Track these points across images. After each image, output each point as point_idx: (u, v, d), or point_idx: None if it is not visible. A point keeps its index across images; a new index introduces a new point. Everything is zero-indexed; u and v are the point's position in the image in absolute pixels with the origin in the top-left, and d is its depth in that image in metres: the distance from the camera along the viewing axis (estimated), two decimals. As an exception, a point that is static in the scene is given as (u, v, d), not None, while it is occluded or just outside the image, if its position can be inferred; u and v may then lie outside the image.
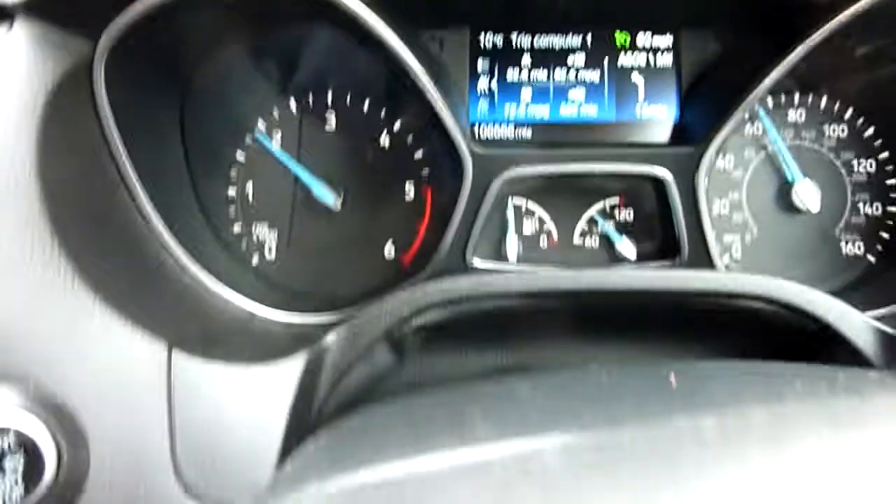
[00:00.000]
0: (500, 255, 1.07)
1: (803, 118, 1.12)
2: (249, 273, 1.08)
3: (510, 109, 1.09)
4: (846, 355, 0.83)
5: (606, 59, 1.09)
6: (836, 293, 0.95)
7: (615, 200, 1.09)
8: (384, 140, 1.09)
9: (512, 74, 1.09)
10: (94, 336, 0.68)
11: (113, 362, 0.68)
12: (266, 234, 1.10)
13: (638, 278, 0.81)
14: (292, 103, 1.10)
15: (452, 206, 1.00)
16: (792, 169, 1.09)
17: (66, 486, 0.63)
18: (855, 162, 1.12)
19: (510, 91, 1.09)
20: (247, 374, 0.73)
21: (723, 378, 0.40)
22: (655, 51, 1.09)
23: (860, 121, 1.12)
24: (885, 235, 1.12)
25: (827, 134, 1.12)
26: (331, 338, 0.80)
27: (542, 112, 1.09)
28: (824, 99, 1.12)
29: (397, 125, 1.09)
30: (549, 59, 1.09)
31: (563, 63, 1.09)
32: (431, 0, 1.02)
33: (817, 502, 0.22)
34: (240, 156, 1.09)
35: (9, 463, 0.61)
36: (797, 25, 0.96)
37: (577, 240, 1.10)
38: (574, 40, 1.09)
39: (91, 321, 0.69)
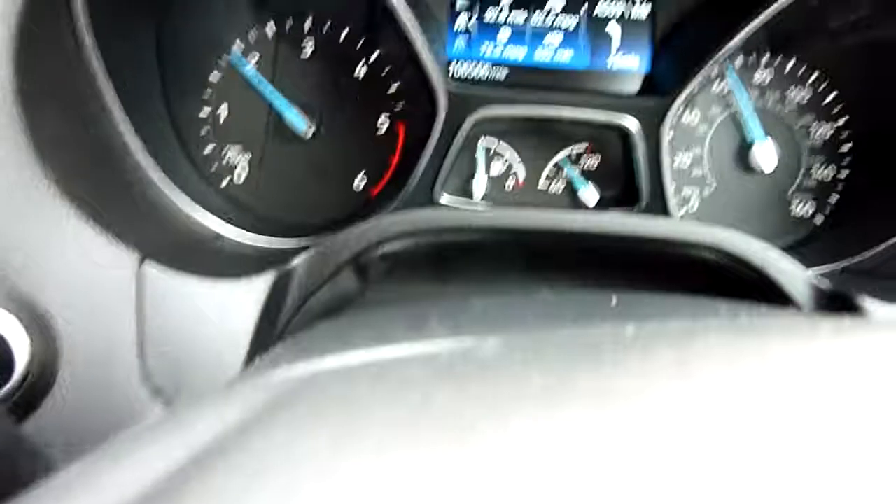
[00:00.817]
0: (466, 193, 1.10)
1: (769, 80, 1.16)
2: (219, 194, 1.09)
3: (487, 49, 1.10)
4: (782, 305, 0.89)
5: (584, 6, 1.10)
6: (784, 251, 1.01)
7: (582, 147, 1.12)
8: (360, 71, 1.10)
9: (491, 14, 1.10)
10: (67, 241, 0.70)
11: (85, 268, 0.70)
12: (237, 157, 1.11)
13: (591, 221, 0.84)
14: (270, 27, 1.09)
15: (424, 141, 1.02)
16: (754, 129, 1.13)
17: (35, 382, 0.66)
18: (813, 126, 1.17)
19: (488, 31, 1.10)
20: (215, 288, 0.76)
21: (657, 303, 0.44)
22: (633, 2, 1.11)
23: (824, 85, 1.16)
24: (834, 198, 1.18)
25: (790, 97, 1.16)
26: (298, 260, 0.83)
27: (517, 54, 1.10)
28: (792, 61, 1.15)
29: (374, 57, 1.10)
30: (528, 2, 1.10)
31: (542, 7, 1.10)
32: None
33: (710, 395, 0.26)
34: (214, 77, 1.09)
35: (-19, 356, 0.63)
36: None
37: (542, 183, 1.13)
38: (554, -16, 1.10)
39: (65, 227, 0.70)
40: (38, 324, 0.66)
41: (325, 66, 1.10)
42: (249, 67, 1.08)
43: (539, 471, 0.22)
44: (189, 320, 0.73)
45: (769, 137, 1.13)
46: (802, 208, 1.18)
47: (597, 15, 1.11)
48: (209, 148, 1.10)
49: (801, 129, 1.16)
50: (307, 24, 1.09)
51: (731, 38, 0.98)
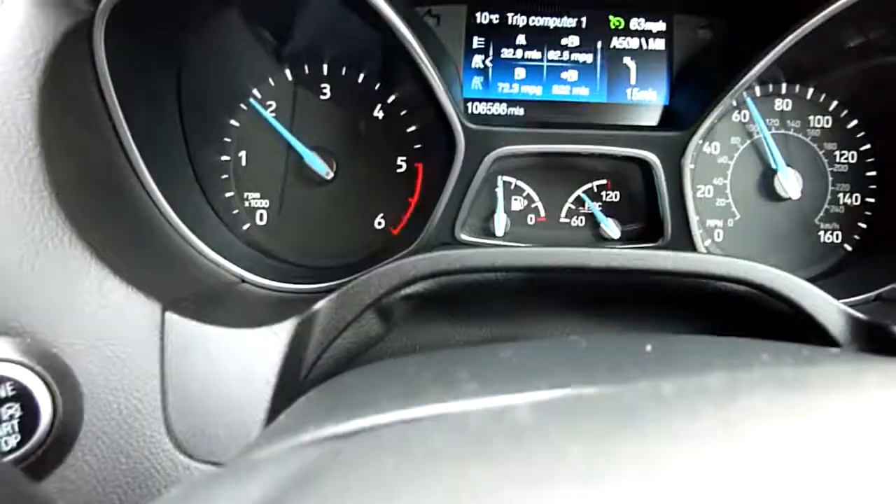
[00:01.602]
0: (488, 231, 1.09)
1: (789, 107, 1.15)
2: (240, 240, 1.09)
3: (503, 87, 1.10)
4: (818, 339, 0.87)
5: (600, 41, 1.11)
6: (813, 279, 0.98)
7: (603, 181, 1.11)
8: (378, 113, 1.11)
9: (506, 52, 1.10)
10: (90, 293, 0.70)
11: (108, 320, 0.70)
12: (258, 202, 1.11)
13: (617, 257, 0.83)
14: (288, 72, 1.11)
15: (443, 180, 1.01)
16: (776, 157, 1.11)
17: (60, 436, 0.65)
18: (837, 153, 1.15)
19: (504, 69, 1.10)
20: (238, 336, 0.75)
21: (694, 349, 0.43)
22: (648, 35, 1.11)
23: (844, 113, 1.15)
24: (863, 225, 1.15)
25: (811, 124, 1.15)
26: (320, 305, 0.82)
27: (534, 91, 1.11)
28: (811, 90, 1.14)
29: (391, 98, 1.10)
30: (544, 38, 1.10)
31: (557, 43, 1.10)
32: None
33: (759, 457, 0.24)
34: (234, 123, 1.10)
35: (5, 412, 0.63)
36: (788, 15, 0.98)
37: (563, 218, 1.12)
38: (569, 21, 1.11)
39: (87, 279, 0.70)
40: (60, 379, 0.66)
41: (343, 110, 1.11)
42: (268, 113, 1.09)
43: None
44: (212, 371, 0.73)
45: (791, 164, 1.11)
46: (831, 236, 1.16)
47: (613, 48, 1.11)
48: (230, 193, 1.10)
49: (824, 155, 1.15)
50: (324, 69, 1.11)
51: (749, 69, 0.97)
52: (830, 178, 1.15)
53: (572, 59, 1.11)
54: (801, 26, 0.94)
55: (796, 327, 0.87)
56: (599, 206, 1.11)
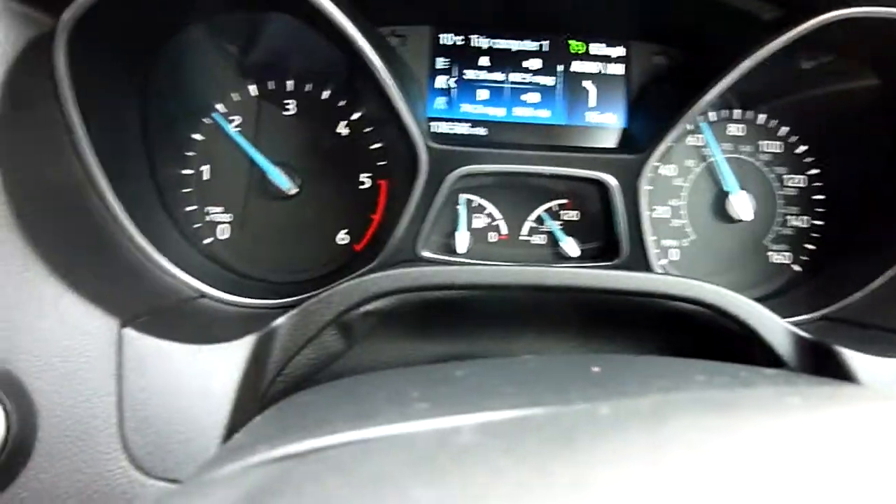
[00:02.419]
0: (450, 248, 1.11)
1: (742, 133, 1.19)
2: (201, 254, 1.09)
3: (467, 107, 1.13)
4: (765, 357, 0.90)
5: (561, 65, 1.14)
6: (763, 299, 1.02)
7: (563, 201, 1.13)
8: (342, 129, 1.12)
9: (470, 74, 1.12)
10: (46, 308, 0.69)
11: (64, 335, 0.69)
12: (220, 216, 1.11)
13: (575, 276, 0.85)
14: (252, 88, 1.11)
15: (406, 198, 1.03)
16: (729, 180, 1.15)
17: (12, 454, 0.64)
18: (786, 176, 1.19)
19: (467, 90, 1.12)
20: (196, 353, 0.75)
21: (636, 370, 0.44)
22: (607, 60, 1.14)
23: (794, 138, 1.19)
24: (811, 247, 1.20)
25: (763, 149, 1.19)
26: (281, 321, 0.82)
27: (497, 112, 1.13)
28: (762, 116, 1.19)
29: (356, 115, 1.12)
30: (506, 61, 1.13)
31: (520, 66, 1.13)
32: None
33: (682, 478, 0.26)
34: (198, 137, 1.10)
35: (-44, 430, 0.62)
36: (740, 43, 1.02)
37: (524, 236, 1.14)
38: (531, 45, 1.13)
39: (43, 294, 0.69)
40: (13, 395, 0.65)
41: (308, 126, 1.12)
42: (232, 128, 1.09)
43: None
44: (170, 387, 0.72)
45: (744, 188, 1.15)
46: (780, 257, 1.20)
47: (573, 72, 1.14)
48: (191, 208, 1.10)
49: (774, 179, 1.19)
50: (289, 85, 1.11)
51: (702, 95, 1.00)
52: (780, 201, 1.20)
53: (534, 81, 1.13)
54: (752, 55, 0.98)
55: (744, 346, 0.90)
56: (559, 224, 1.13)
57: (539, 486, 0.26)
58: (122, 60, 0.95)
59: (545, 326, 1.03)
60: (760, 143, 1.19)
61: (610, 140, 1.14)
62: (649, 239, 1.07)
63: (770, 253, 1.20)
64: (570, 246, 1.12)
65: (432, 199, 1.02)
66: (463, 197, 1.11)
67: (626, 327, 1.02)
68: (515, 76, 1.13)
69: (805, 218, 1.20)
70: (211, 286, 0.99)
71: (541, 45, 1.13)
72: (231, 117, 1.10)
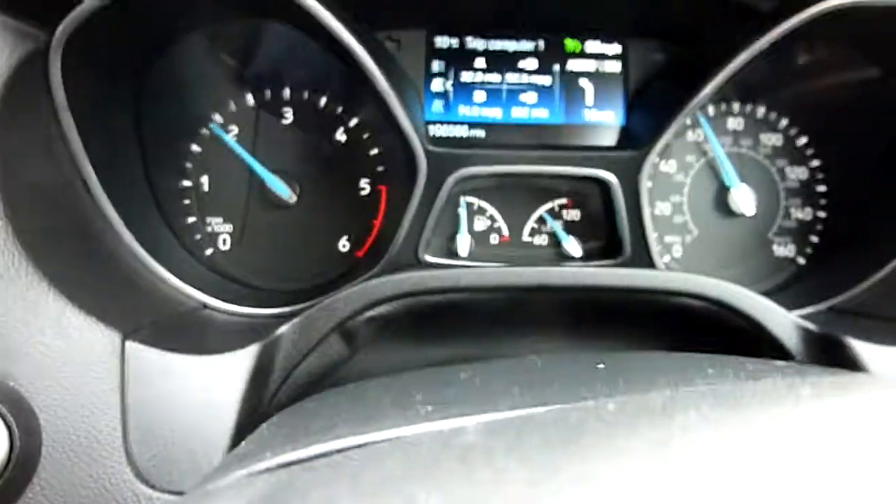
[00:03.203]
0: (451, 251, 1.10)
1: (742, 126, 1.18)
2: (203, 265, 1.09)
3: (464, 110, 1.12)
4: (773, 351, 0.89)
5: (557, 64, 1.13)
6: (768, 293, 1.01)
7: (564, 200, 1.13)
8: (340, 136, 1.12)
9: (466, 76, 1.12)
10: (48, 323, 0.69)
11: (66, 350, 0.69)
12: (220, 227, 1.11)
13: (578, 275, 0.85)
14: (249, 97, 1.11)
15: (406, 202, 1.02)
16: (730, 174, 1.15)
17: (18, 469, 0.64)
18: (788, 169, 1.19)
19: (464, 92, 1.12)
20: (199, 364, 0.75)
21: (643, 366, 0.44)
22: (604, 58, 1.14)
23: (794, 131, 1.19)
24: (815, 239, 1.19)
25: (763, 142, 1.18)
26: (283, 329, 0.82)
27: (494, 113, 1.13)
28: (762, 109, 1.18)
29: (353, 122, 1.11)
30: (503, 62, 1.13)
31: (516, 67, 1.13)
32: (388, 2, 1.04)
33: (689, 473, 0.25)
34: (195, 148, 1.10)
35: (-40, 447, 0.62)
36: (738, 37, 1.01)
37: (526, 238, 1.13)
38: (526, 45, 1.13)
39: (44, 308, 0.69)
40: (17, 411, 0.65)
41: (306, 134, 1.11)
42: (230, 138, 1.09)
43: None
44: (173, 399, 0.72)
45: (745, 181, 1.15)
46: (784, 250, 1.19)
47: (570, 71, 1.14)
48: (191, 219, 1.10)
49: (776, 172, 1.18)
50: (286, 93, 1.11)
51: (701, 89, 1.00)
52: (783, 194, 1.19)
53: (531, 82, 1.13)
54: (750, 47, 0.97)
55: (752, 340, 0.90)
56: (561, 224, 1.13)
57: (546, 482, 0.25)
58: (117, 72, 0.95)
59: (551, 327, 1.03)
60: (761, 136, 1.18)
61: (609, 138, 1.14)
62: (651, 236, 1.06)
63: (774, 246, 1.19)
64: (573, 246, 1.11)
65: (432, 202, 1.02)
66: (463, 200, 1.11)
67: (632, 326, 1.01)
68: (512, 77, 1.13)
69: (808, 210, 1.19)
70: (213, 297, 0.99)
71: (536, 45, 1.13)
72: (228, 127, 1.10)
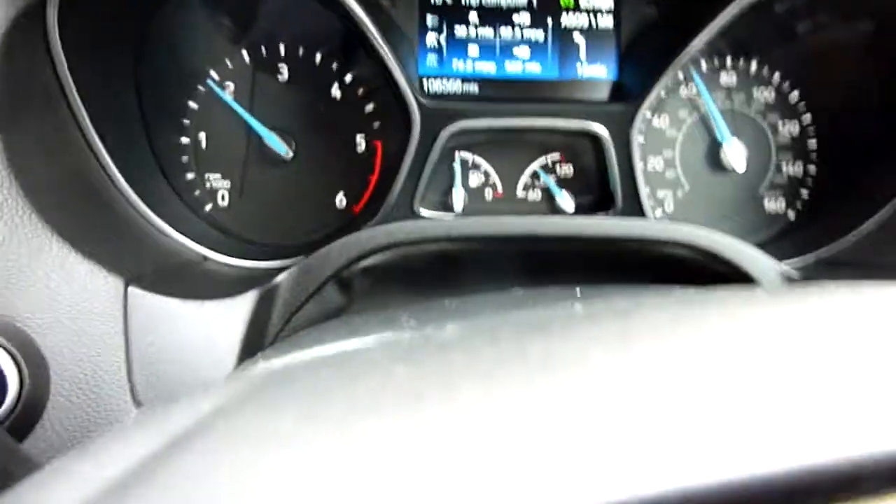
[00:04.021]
0: (446, 206, 1.12)
1: (734, 82, 1.19)
2: (203, 220, 1.11)
3: (458, 64, 1.13)
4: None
5: (550, 18, 1.14)
6: (758, 246, 1.03)
7: (556, 156, 1.14)
8: (336, 92, 1.13)
9: (460, 31, 1.13)
10: (52, 269, 0.71)
11: (71, 294, 0.71)
12: (219, 183, 1.12)
13: (570, 225, 0.87)
14: (245, 54, 1.12)
15: (401, 158, 1.04)
16: (722, 130, 1.16)
17: (28, 406, 0.67)
18: (780, 124, 1.20)
19: (458, 47, 1.13)
20: (200, 309, 0.77)
21: (621, 293, 0.46)
22: (597, 12, 1.14)
23: (786, 85, 1.19)
24: (805, 194, 1.21)
25: (755, 97, 1.19)
26: (281, 278, 0.84)
27: (488, 68, 1.13)
28: (754, 63, 1.19)
29: (349, 78, 1.12)
30: (496, 17, 1.13)
31: (509, 21, 1.13)
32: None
33: (651, 360, 0.27)
34: (193, 105, 1.11)
35: (-29, 384, 0.65)
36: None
37: (520, 193, 1.15)
38: (520, 0, 1.14)
39: (49, 255, 0.71)
40: (26, 351, 0.67)
41: (302, 90, 1.13)
42: (226, 95, 1.10)
43: (489, 434, 0.23)
44: (175, 341, 0.75)
45: (737, 137, 1.16)
46: (775, 204, 1.21)
47: (563, 26, 1.14)
48: (190, 175, 1.12)
49: (768, 127, 1.20)
50: (281, 50, 1.12)
51: (692, 41, 1.01)
52: (774, 150, 1.20)
53: (524, 36, 1.14)
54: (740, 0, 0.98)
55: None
56: (554, 179, 1.14)
57: (513, 363, 0.27)
58: (114, 28, 0.96)
59: (543, 279, 1.05)
60: (753, 91, 1.19)
61: (602, 93, 1.15)
62: (643, 191, 1.08)
63: (765, 202, 1.21)
64: (566, 200, 1.13)
65: (427, 156, 1.04)
66: (458, 155, 1.12)
67: (622, 277, 1.03)
68: (505, 31, 1.13)
69: (799, 165, 1.21)
70: (213, 251, 1.01)
71: (530, 0, 1.13)
72: (225, 84, 1.11)
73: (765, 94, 1.20)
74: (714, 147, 1.17)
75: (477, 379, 0.26)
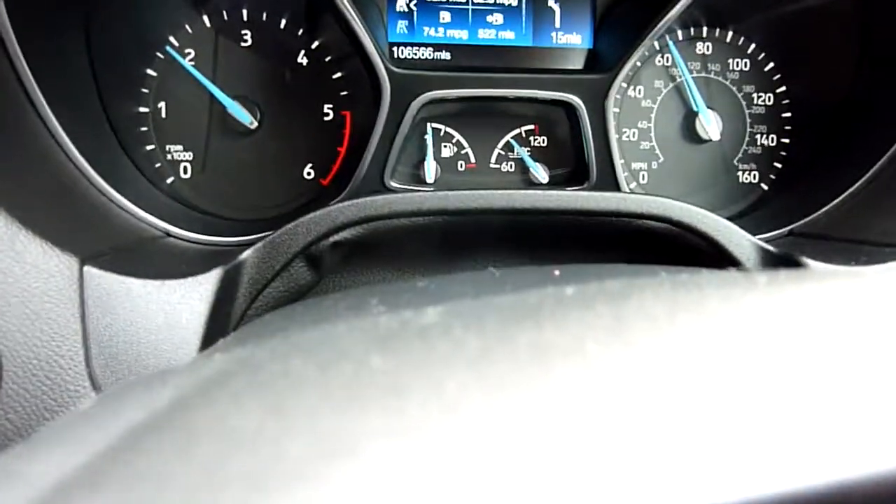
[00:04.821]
0: (418, 178, 1.09)
1: (710, 51, 1.17)
2: (164, 193, 1.06)
3: (429, 31, 1.09)
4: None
5: (524, -17, 1.10)
6: (731, 218, 1.02)
7: (531, 126, 1.12)
8: (302, 59, 1.08)
9: (431, -5, 1.09)
10: (1, 250, 0.67)
11: (21, 275, 0.67)
12: (180, 154, 1.08)
13: (543, 199, 0.85)
14: (206, 19, 1.06)
15: (371, 128, 1.01)
16: (697, 99, 1.14)
17: (-23, 395, 0.63)
18: (755, 95, 1.19)
19: (429, 12, 1.09)
20: (161, 288, 0.74)
21: (598, 272, 0.44)
22: (572, -22, 1.11)
23: (761, 55, 1.18)
24: (778, 165, 1.20)
25: (731, 67, 1.18)
26: (247, 254, 0.81)
27: (460, 34, 1.10)
28: (730, 33, 1.17)
29: (315, 44, 1.08)
30: (469, -19, 1.10)
31: (483, -14, 1.10)
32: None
33: (645, 348, 0.26)
34: (151, 73, 1.06)
35: (-85, 373, 0.61)
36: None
37: (493, 164, 1.13)
38: (493, -36, 1.10)
39: (-4, 234, 0.67)
40: (-27, 336, 0.64)
41: (266, 57, 1.08)
42: (187, 61, 1.05)
43: (473, 433, 0.21)
44: (136, 323, 0.71)
45: (712, 107, 1.15)
46: (749, 175, 1.20)
47: (537, -7, 1.11)
48: (150, 146, 1.07)
49: (743, 98, 1.18)
50: (244, 14, 1.07)
51: (668, 10, 0.99)
52: (748, 120, 1.19)
53: (498, 1, 1.10)
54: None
55: (712, 262, 0.91)
56: (528, 151, 1.12)
57: (501, 352, 0.25)
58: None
59: (515, 253, 1.03)
60: (728, 61, 1.18)
61: (577, 61, 1.12)
62: (618, 162, 1.06)
63: (738, 173, 1.20)
64: (540, 172, 1.11)
65: (397, 127, 1.00)
66: (430, 126, 1.09)
67: (596, 250, 1.02)
68: (478, -4, 1.10)
69: (773, 136, 1.20)
70: (175, 226, 0.97)
71: (504, -36, 1.10)
72: (185, 51, 1.06)
73: (740, 64, 1.18)
74: (689, 117, 1.16)
75: (463, 371, 0.24)
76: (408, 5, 1.08)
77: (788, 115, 1.20)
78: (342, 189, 1.03)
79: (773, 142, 1.20)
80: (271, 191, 1.10)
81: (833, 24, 1.14)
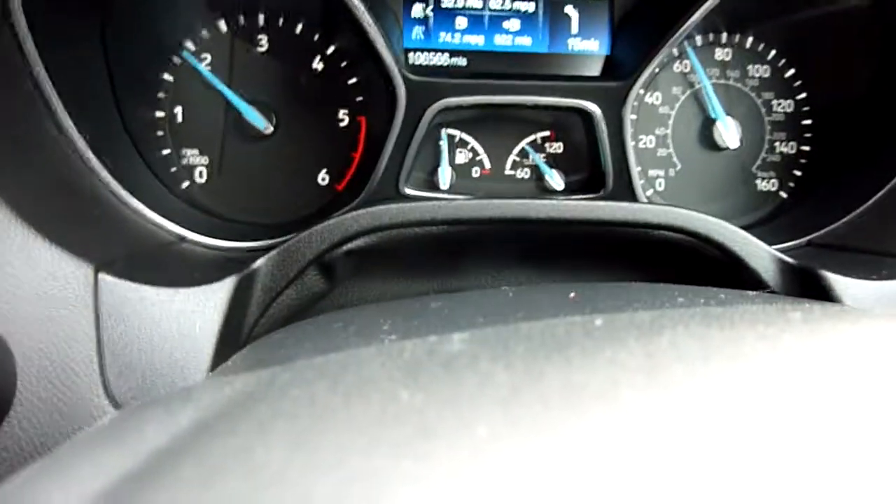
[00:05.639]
0: (433, 185, 1.09)
1: (729, 57, 1.16)
2: (179, 198, 1.07)
3: (445, 36, 1.09)
4: (751, 283, 0.90)
5: (541, -10, 1.09)
6: (750, 227, 1.01)
7: (546, 133, 1.11)
8: (318, 64, 1.08)
9: (447, 1, 1.08)
10: (15, 255, 0.67)
11: (35, 281, 0.68)
12: (196, 159, 1.08)
13: (559, 209, 0.84)
14: (222, 24, 1.06)
15: (386, 134, 1.00)
16: (715, 106, 1.13)
17: (-8, 402, 0.64)
18: (774, 102, 1.17)
19: (445, 18, 1.08)
20: (175, 296, 0.74)
21: (616, 295, 0.44)
22: (590, -17, 1.10)
23: (782, 62, 1.16)
24: (798, 173, 1.19)
25: (750, 73, 1.16)
26: (260, 262, 0.81)
27: (476, 40, 1.09)
28: (750, 39, 1.15)
29: (331, 50, 1.08)
30: (485, -13, 1.09)
31: (499, -8, 1.09)
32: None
33: (677, 389, 0.25)
34: (168, 77, 1.06)
35: (-69, 381, 0.61)
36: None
37: (508, 170, 1.12)
38: (510, -31, 1.09)
39: (10, 240, 0.67)
40: (-12, 344, 0.64)
41: (282, 62, 1.08)
42: (203, 66, 1.05)
43: (503, 483, 0.21)
44: (149, 331, 0.71)
45: (731, 114, 1.13)
46: (767, 184, 1.19)
47: (555, -2, 1.10)
48: (166, 151, 1.07)
49: (762, 104, 1.17)
50: (261, 20, 1.07)
51: (688, 17, 0.97)
52: (768, 128, 1.18)
53: (514, 8, 1.09)
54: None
55: (730, 274, 0.90)
56: (543, 157, 1.11)
57: (531, 388, 0.25)
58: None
59: (531, 261, 1.03)
60: (748, 67, 1.16)
61: (594, 68, 1.11)
62: (634, 170, 1.05)
63: (757, 181, 1.19)
64: (555, 179, 1.10)
65: (413, 133, 1.00)
66: (444, 132, 1.08)
67: (613, 260, 1.01)
68: (495, 3, 1.09)
69: (793, 144, 1.18)
70: (190, 230, 0.97)
71: (520, -30, 1.09)
72: (201, 55, 1.06)
73: (760, 71, 1.17)
74: (707, 124, 1.15)
75: (494, 412, 0.23)
76: (424, 11, 1.08)
77: (809, 122, 1.18)
78: (356, 195, 1.02)
79: (792, 149, 1.18)
80: (286, 196, 1.10)
81: (854, 29, 1.12)
